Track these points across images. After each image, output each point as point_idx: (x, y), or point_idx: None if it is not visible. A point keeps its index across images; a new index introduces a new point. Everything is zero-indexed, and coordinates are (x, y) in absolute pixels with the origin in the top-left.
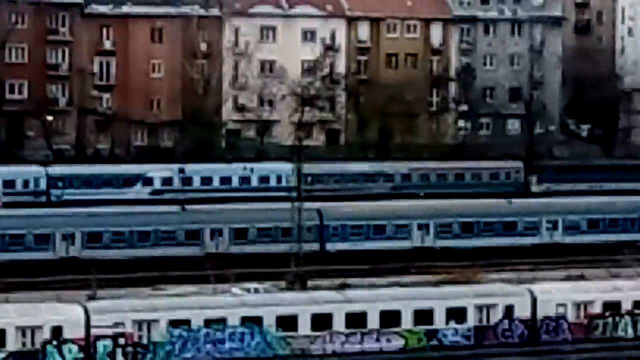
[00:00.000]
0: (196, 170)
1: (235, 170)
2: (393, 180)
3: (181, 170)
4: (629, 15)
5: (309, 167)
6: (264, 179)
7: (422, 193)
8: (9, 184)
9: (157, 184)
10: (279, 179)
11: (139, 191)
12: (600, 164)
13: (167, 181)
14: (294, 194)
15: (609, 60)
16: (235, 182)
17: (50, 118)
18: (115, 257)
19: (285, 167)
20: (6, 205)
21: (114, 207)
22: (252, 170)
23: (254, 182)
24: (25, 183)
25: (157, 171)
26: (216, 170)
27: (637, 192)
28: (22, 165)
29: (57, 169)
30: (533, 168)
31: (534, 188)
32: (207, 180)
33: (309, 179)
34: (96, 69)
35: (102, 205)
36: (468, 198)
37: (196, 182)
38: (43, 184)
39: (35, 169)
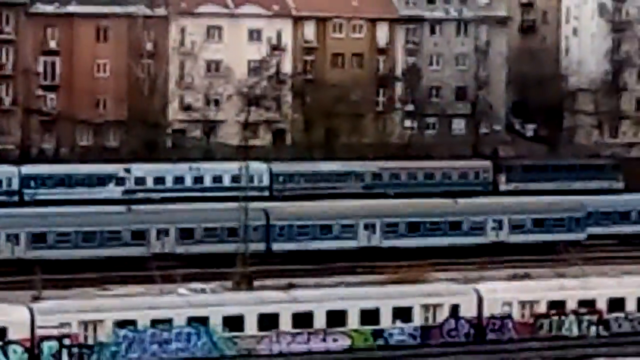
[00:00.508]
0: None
1: (207, 170)
2: (364, 179)
3: (127, 170)
4: (573, 15)
5: (280, 166)
6: (236, 179)
7: (393, 192)
8: None
9: (131, 184)
10: (251, 178)
11: (112, 191)
12: (567, 163)
13: (140, 181)
14: (266, 194)
15: (553, 60)
16: (207, 182)
17: None
18: (61, 257)
19: (261, 167)
20: None
21: (61, 207)
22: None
23: (226, 181)
24: None
25: (134, 170)
26: (175, 170)
27: (604, 191)
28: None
29: (30, 169)
30: (501, 167)
31: (502, 187)
32: (160, 180)
33: (280, 178)
34: (41, 68)
35: (75, 205)
36: (438, 197)
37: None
38: (15, 184)
39: (8, 169)
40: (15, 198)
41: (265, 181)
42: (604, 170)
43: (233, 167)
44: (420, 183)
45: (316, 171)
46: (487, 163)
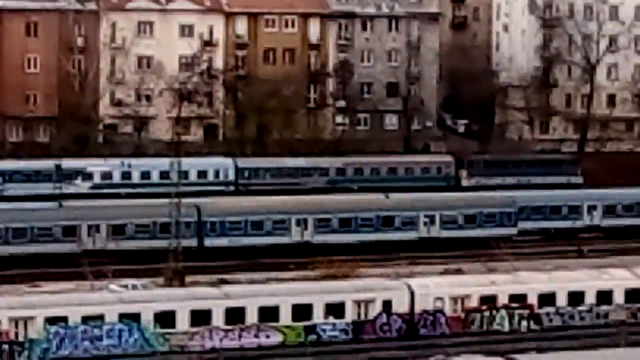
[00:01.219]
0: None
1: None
2: (328, 174)
3: (58, 167)
4: (504, 11)
5: (245, 162)
6: (201, 174)
7: (356, 187)
8: None
9: (97, 179)
10: (216, 173)
11: (79, 186)
12: (528, 159)
13: (106, 176)
14: (232, 189)
15: (485, 56)
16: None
17: None
18: None
19: (224, 162)
20: None
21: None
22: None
23: (192, 176)
24: None
25: (97, 166)
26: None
27: (564, 185)
28: None
29: (17, 164)
30: (463, 162)
31: (464, 182)
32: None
33: (246, 173)
34: None
35: (42, 200)
36: (401, 192)
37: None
38: None
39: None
40: None
41: (231, 176)
42: (563, 165)
43: (194, 162)
44: (383, 178)
45: (281, 166)
46: (449, 158)
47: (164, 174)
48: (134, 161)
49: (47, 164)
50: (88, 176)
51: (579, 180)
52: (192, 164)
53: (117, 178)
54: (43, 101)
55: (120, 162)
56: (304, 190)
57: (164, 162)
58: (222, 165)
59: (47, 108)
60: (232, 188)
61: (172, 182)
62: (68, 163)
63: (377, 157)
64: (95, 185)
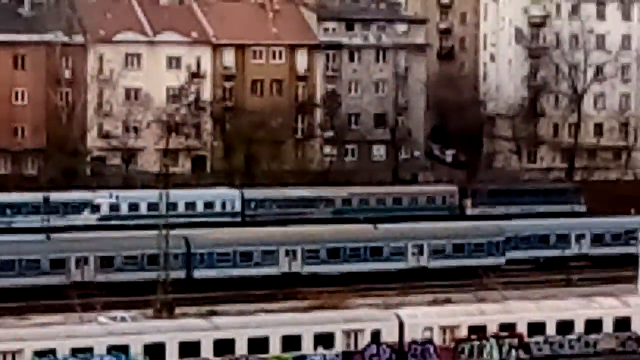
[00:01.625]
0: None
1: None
2: (334, 204)
3: (46, 200)
4: (491, 41)
5: (251, 193)
6: (208, 205)
7: (362, 217)
8: None
9: (105, 210)
10: (223, 204)
11: (87, 218)
12: (531, 188)
13: (114, 207)
14: (238, 219)
15: (472, 86)
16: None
17: None
18: None
19: (230, 193)
20: None
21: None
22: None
23: (199, 208)
24: None
25: (104, 198)
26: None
27: (567, 214)
28: None
29: (5, 197)
30: (467, 192)
31: (469, 211)
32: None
33: (252, 204)
34: None
35: (51, 232)
36: (406, 221)
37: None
38: None
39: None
40: None
41: (237, 207)
42: (567, 194)
43: (200, 193)
44: (389, 208)
45: (287, 197)
46: (454, 188)
47: (170, 206)
48: (141, 193)
49: (35, 196)
50: (96, 208)
51: (583, 208)
52: (199, 195)
53: (124, 210)
54: (31, 134)
55: (126, 195)
56: (310, 220)
57: (172, 194)
58: (228, 196)
59: (35, 140)
60: (238, 219)
61: (178, 214)
62: (56, 196)
63: (383, 188)
64: (103, 217)
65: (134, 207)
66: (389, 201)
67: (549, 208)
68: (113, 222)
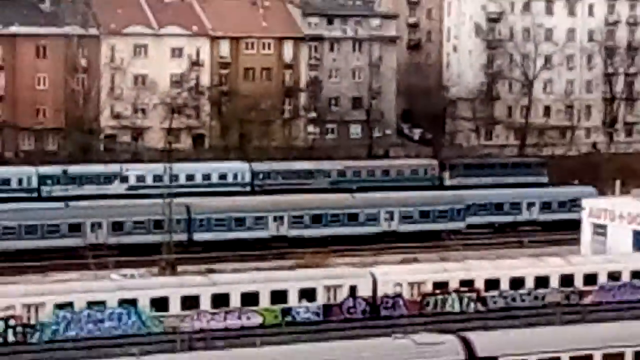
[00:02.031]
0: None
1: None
2: (330, 176)
3: (64, 171)
4: (453, 34)
5: (259, 165)
6: (222, 176)
7: (355, 187)
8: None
9: (132, 181)
10: (235, 176)
11: (116, 187)
12: (501, 162)
13: (140, 179)
14: (248, 189)
15: (437, 73)
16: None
17: None
18: (6, 248)
19: (241, 166)
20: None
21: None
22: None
23: (214, 179)
24: (19, 181)
25: (133, 170)
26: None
27: (531, 184)
28: (17, 166)
29: (47, 169)
30: (446, 165)
31: (447, 182)
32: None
33: (260, 175)
34: None
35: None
36: (394, 190)
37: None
38: (34, 182)
39: (27, 169)
40: (35, 194)
41: (247, 178)
42: (532, 167)
43: (215, 166)
44: (378, 179)
45: (290, 169)
46: (434, 162)
47: (188, 178)
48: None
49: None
50: (125, 179)
51: (545, 179)
52: (213, 168)
53: (149, 181)
54: (51, 115)
55: (153, 167)
56: (309, 190)
57: (189, 167)
58: (239, 169)
59: (55, 120)
60: (248, 189)
61: (196, 184)
62: (47, 169)
63: (373, 161)
64: (131, 187)
65: (158, 178)
66: (378, 173)
67: (516, 179)
68: (140, 192)
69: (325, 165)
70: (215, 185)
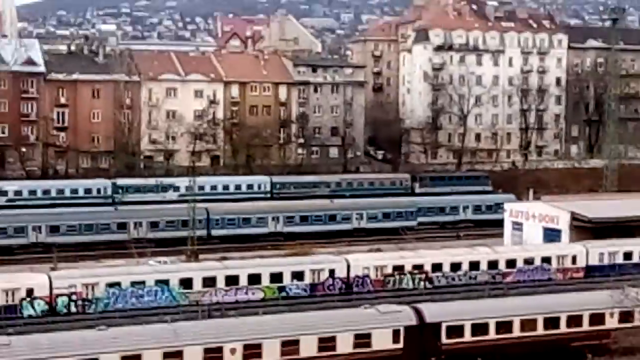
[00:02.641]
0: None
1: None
2: (330, 186)
3: (114, 184)
4: (407, 80)
5: (277, 179)
6: (249, 187)
7: (348, 194)
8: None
9: (183, 190)
10: (259, 186)
11: (171, 195)
12: (456, 175)
13: (189, 188)
14: (269, 196)
15: (395, 109)
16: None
17: (23, 150)
18: (70, 241)
19: (263, 179)
20: None
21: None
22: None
23: (244, 188)
24: (98, 191)
25: (182, 182)
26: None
27: (479, 192)
28: (94, 179)
29: (124, 181)
30: (416, 178)
31: (417, 190)
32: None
33: (278, 186)
34: (55, 116)
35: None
36: (377, 197)
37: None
38: (109, 192)
39: (104, 181)
40: (109, 201)
41: (268, 188)
42: (479, 179)
43: (244, 179)
44: (366, 188)
45: (300, 181)
46: (407, 175)
47: (225, 187)
48: (203, 179)
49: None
50: (177, 189)
51: (490, 188)
52: (243, 181)
53: (195, 189)
54: (104, 141)
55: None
56: (314, 196)
57: (225, 180)
58: (262, 181)
59: (106, 145)
60: (268, 196)
61: (230, 192)
62: (121, 181)
63: (362, 175)
64: (182, 194)
65: (200, 187)
66: (366, 184)
67: (468, 188)
68: (187, 198)
69: (326, 178)
70: (244, 193)
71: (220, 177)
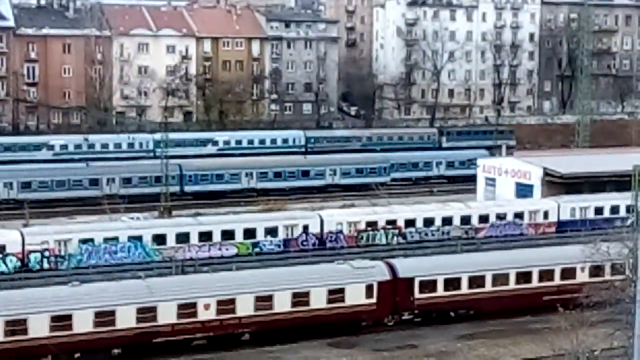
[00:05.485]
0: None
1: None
2: (361, 140)
3: (85, 139)
4: (380, 35)
5: (311, 133)
6: (284, 141)
7: (379, 148)
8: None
9: (221, 145)
10: (294, 140)
11: (210, 149)
12: (482, 130)
13: (226, 142)
14: (303, 150)
15: (368, 65)
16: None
17: None
18: (41, 198)
19: (298, 133)
20: None
21: (45, 164)
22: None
23: (279, 142)
24: (140, 144)
25: (220, 137)
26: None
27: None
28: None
29: (158, 136)
30: (442, 132)
31: (444, 144)
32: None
33: (312, 140)
34: (25, 71)
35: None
36: (408, 151)
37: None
38: (151, 145)
39: (146, 136)
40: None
41: (303, 142)
42: (504, 133)
43: (279, 134)
44: (395, 142)
45: (333, 135)
46: (435, 130)
47: (261, 141)
48: (252, 133)
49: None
50: (215, 143)
51: (513, 143)
52: (278, 135)
53: (233, 144)
54: (75, 96)
55: (233, 134)
56: (347, 150)
57: (261, 134)
58: (297, 135)
59: (77, 101)
60: (303, 150)
61: (266, 146)
62: (93, 138)
63: (392, 129)
64: (219, 149)
65: (237, 142)
66: (395, 138)
67: (494, 142)
68: (226, 152)
69: (358, 133)
70: (279, 148)
71: (258, 131)
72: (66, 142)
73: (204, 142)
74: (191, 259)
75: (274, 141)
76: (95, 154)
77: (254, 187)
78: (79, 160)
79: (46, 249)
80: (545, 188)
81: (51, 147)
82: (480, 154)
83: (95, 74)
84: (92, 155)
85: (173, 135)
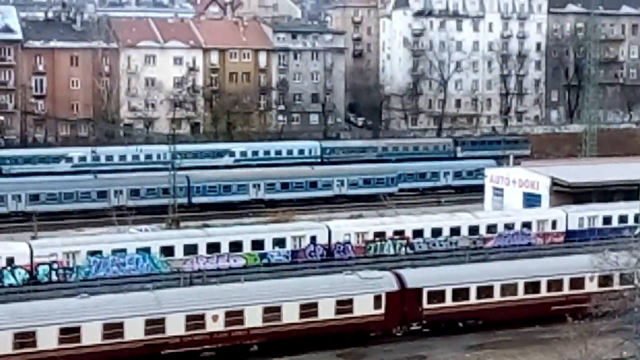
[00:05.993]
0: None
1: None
2: (377, 151)
3: (93, 151)
4: (387, 46)
5: (327, 143)
6: (301, 151)
7: (394, 159)
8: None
9: (238, 155)
10: (310, 151)
11: (227, 160)
12: (496, 139)
13: (243, 154)
14: (318, 160)
15: (375, 75)
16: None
17: (2, 118)
18: (50, 210)
19: (314, 144)
20: None
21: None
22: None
23: (295, 153)
24: (158, 156)
25: (237, 147)
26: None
27: (519, 156)
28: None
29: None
30: (457, 142)
31: (459, 154)
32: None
33: (327, 150)
34: (33, 84)
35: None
36: (423, 161)
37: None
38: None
39: (164, 147)
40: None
41: (318, 152)
42: (518, 142)
43: (296, 144)
44: (411, 152)
45: (348, 146)
46: (450, 140)
47: (285, 152)
48: (258, 144)
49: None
50: (232, 154)
51: (527, 152)
52: (294, 146)
53: (249, 155)
54: (83, 108)
55: (249, 145)
56: (362, 161)
57: (284, 145)
58: (313, 146)
59: (85, 113)
60: (319, 160)
61: (283, 157)
62: (101, 150)
63: (407, 139)
64: (236, 160)
65: (254, 153)
66: (411, 148)
67: (507, 152)
68: (243, 163)
69: (374, 143)
70: (295, 158)
71: (275, 142)
72: (84, 154)
73: (220, 154)
74: (199, 270)
75: (290, 152)
76: (114, 166)
77: (262, 198)
78: (97, 172)
79: (54, 261)
80: (553, 198)
81: (70, 159)
82: (487, 163)
83: (103, 86)
84: (110, 167)
85: (189, 147)
